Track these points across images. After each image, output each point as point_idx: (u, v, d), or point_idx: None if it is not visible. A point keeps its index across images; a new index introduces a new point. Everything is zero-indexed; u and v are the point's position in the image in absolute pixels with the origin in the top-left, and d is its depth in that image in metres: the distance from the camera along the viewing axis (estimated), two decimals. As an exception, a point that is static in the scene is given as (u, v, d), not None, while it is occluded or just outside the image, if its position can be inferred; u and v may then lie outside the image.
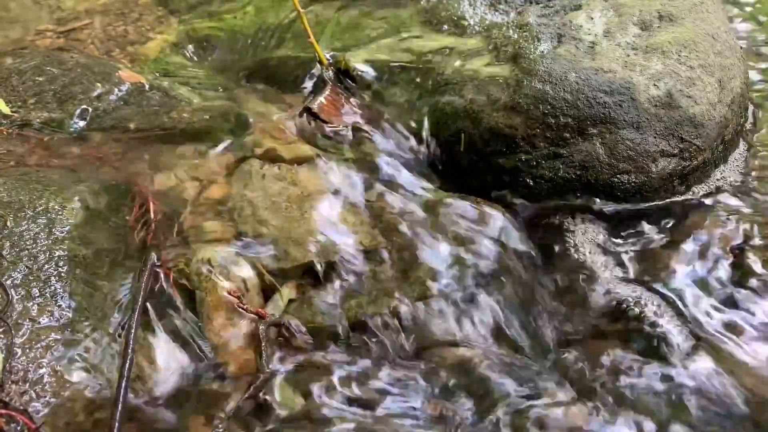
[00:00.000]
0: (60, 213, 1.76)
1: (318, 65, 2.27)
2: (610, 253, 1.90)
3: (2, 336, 1.55)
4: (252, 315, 1.71)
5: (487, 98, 2.03)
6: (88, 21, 2.75)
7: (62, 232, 1.73)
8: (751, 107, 2.24)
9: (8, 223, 1.71)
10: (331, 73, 2.26)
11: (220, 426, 1.55)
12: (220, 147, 2.08)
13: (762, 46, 2.56)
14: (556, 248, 1.92)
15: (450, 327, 1.74)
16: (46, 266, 1.67)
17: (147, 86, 2.26)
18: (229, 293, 1.71)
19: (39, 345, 1.56)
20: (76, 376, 1.55)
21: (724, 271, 1.83)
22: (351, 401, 1.62)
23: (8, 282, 1.63)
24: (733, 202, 2.00)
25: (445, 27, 2.31)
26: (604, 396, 1.63)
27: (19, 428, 1.46)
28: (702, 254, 1.87)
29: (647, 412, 1.59)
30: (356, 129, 2.16)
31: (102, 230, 1.79)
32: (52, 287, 1.65)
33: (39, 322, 1.59)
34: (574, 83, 1.95)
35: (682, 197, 2.01)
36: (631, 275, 1.85)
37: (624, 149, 1.93)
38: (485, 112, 2.02)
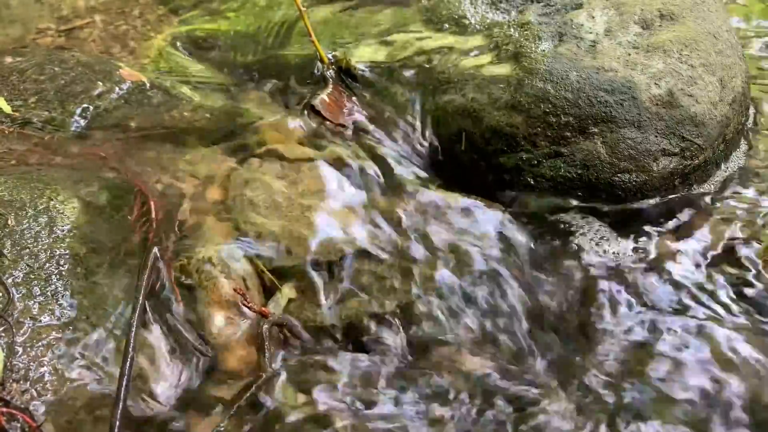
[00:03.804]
0: (61, 211, 1.76)
1: (319, 64, 2.27)
2: (611, 252, 1.89)
3: (3, 334, 1.55)
4: (255, 313, 1.71)
5: (488, 97, 2.03)
6: (89, 19, 2.75)
7: (63, 231, 1.73)
8: (752, 106, 2.23)
9: (9, 222, 1.71)
10: (332, 71, 2.26)
11: (221, 424, 1.55)
12: (221, 145, 2.08)
13: (763, 44, 2.56)
14: (557, 248, 1.92)
15: (450, 326, 1.74)
16: (47, 265, 1.67)
17: (148, 85, 2.26)
18: (235, 290, 1.71)
19: (40, 343, 1.56)
20: (77, 374, 1.56)
21: (725, 270, 1.83)
22: (352, 400, 1.62)
23: (9, 280, 1.63)
24: (735, 201, 1.99)
25: (446, 26, 2.31)
26: (605, 396, 1.63)
27: (20, 427, 1.46)
28: (703, 254, 1.87)
29: (648, 412, 1.59)
30: (358, 127, 2.16)
31: (103, 229, 1.79)
32: (53, 286, 1.65)
33: (40, 321, 1.59)
34: (575, 82, 1.95)
35: (684, 196, 2.01)
36: (633, 275, 1.85)
37: (625, 148, 1.93)
38: (486, 111, 2.02)
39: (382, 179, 2.00)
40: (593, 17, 2.09)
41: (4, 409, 1.46)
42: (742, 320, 1.74)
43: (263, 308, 1.73)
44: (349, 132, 2.14)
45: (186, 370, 1.66)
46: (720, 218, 1.95)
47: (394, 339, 1.72)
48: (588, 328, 1.77)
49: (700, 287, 1.81)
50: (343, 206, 1.91)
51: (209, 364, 1.68)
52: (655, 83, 1.95)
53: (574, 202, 1.99)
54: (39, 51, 2.46)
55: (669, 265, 1.86)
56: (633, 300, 1.80)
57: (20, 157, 1.99)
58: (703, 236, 1.91)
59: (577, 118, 1.94)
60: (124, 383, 1.52)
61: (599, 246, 1.91)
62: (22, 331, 1.57)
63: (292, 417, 1.59)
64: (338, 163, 2.00)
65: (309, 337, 1.74)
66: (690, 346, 1.69)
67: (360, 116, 2.18)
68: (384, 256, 1.83)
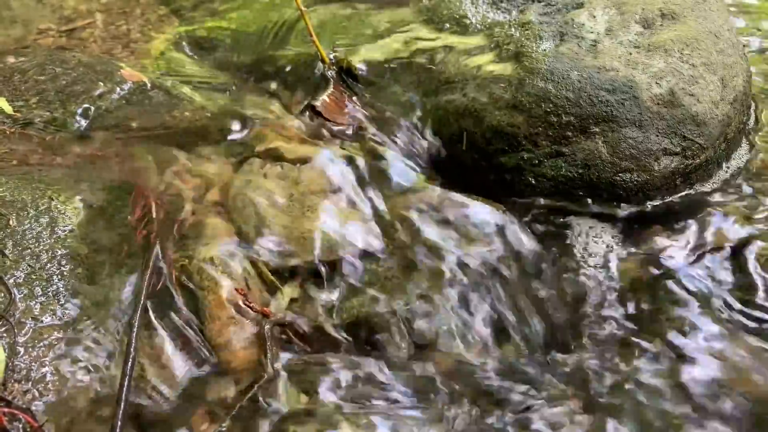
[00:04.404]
0: (62, 212, 1.76)
1: (320, 64, 2.27)
2: (611, 251, 1.89)
3: (5, 335, 1.55)
4: (256, 313, 1.72)
5: (489, 97, 2.03)
6: (90, 20, 2.75)
7: (64, 231, 1.74)
8: (753, 105, 2.23)
9: (11, 222, 1.71)
10: (333, 71, 2.26)
11: (222, 425, 1.55)
12: (222, 146, 2.08)
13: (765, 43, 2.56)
14: (558, 247, 1.92)
15: (452, 325, 1.74)
16: (49, 265, 1.67)
17: (149, 85, 2.26)
18: (236, 291, 1.71)
19: (41, 344, 1.57)
20: (79, 374, 1.56)
21: (725, 270, 1.83)
22: (354, 400, 1.62)
23: (11, 281, 1.63)
24: (736, 200, 1.99)
25: (447, 25, 2.31)
26: (605, 397, 1.63)
27: (21, 427, 1.47)
28: (704, 253, 1.87)
29: (649, 412, 1.59)
30: (359, 127, 2.16)
31: (104, 229, 1.79)
32: (55, 286, 1.65)
33: (41, 321, 1.59)
34: (577, 81, 1.95)
35: (685, 195, 2.01)
36: (633, 274, 1.85)
37: (626, 148, 1.93)
38: (487, 111, 2.02)
39: (382, 179, 2.00)
40: (594, 17, 2.09)
41: (6, 410, 1.46)
42: (743, 319, 1.73)
43: (265, 308, 1.73)
44: (350, 132, 2.15)
45: (187, 370, 1.66)
46: (721, 217, 1.95)
47: (395, 339, 1.72)
48: (590, 328, 1.77)
49: (702, 287, 1.80)
50: (344, 206, 1.91)
51: (211, 364, 1.68)
52: (656, 82, 1.95)
53: (576, 202, 1.99)
54: (40, 51, 2.47)
55: (670, 265, 1.86)
56: (634, 300, 1.80)
57: (22, 157, 1.99)
58: (704, 235, 1.91)
59: (578, 117, 1.94)
60: (126, 383, 1.53)
61: (600, 245, 1.91)
62: (23, 332, 1.57)
63: (294, 417, 1.59)
64: (339, 163, 2.00)
65: (311, 336, 1.74)
66: (691, 347, 1.69)
67: (361, 116, 2.18)
68: (385, 255, 1.83)
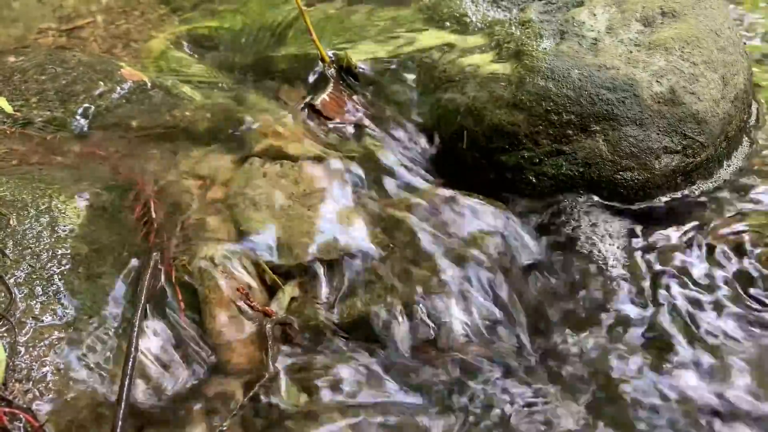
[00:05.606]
0: (62, 211, 1.76)
1: (320, 62, 2.27)
2: (612, 250, 1.89)
3: (6, 334, 1.55)
4: (258, 313, 1.71)
5: (490, 95, 2.03)
6: (90, 19, 2.75)
7: (65, 231, 1.74)
8: (754, 104, 2.23)
9: (11, 222, 1.71)
10: (333, 70, 2.26)
11: (223, 424, 1.55)
12: (222, 145, 2.08)
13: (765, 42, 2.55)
14: (559, 246, 1.92)
15: (452, 324, 1.74)
16: (49, 264, 1.67)
17: (149, 84, 2.26)
18: (238, 290, 1.71)
19: (42, 343, 1.57)
20: (79, 374, 1.56)
21: (726, 268, 1.83)
22: (354, 399, 1.62)
23: (11, 280, 1.63)
24: (737, 199, 1.99)
25: (447, 24, 2.30)
26: (606, 395, 1.63)
27: (22, 426, 1.47)
28: (704, 252, 1.87)
29: (647, 411, 1.59)
30: (358, 126, 2.16)
31: (104, 229, 1.79)
32: (55, 285, 1.65)
33: (42, 321, 1.59)
34: (577, 80, 1.95)
35: (686, 194, 2.01)
36: (634, 273, 1.84)
37: (627, 146, 1.93)
38: (488, 109, 2.02)
39: (383, 178, 1.99)
40: (595, 15, 2.09)
41: (7, 409, 1.46)
42: (743, 318, 1.73)
43: (265, 307, 1.73)
44: (350, 131, 2.14)
45: (188, 369, 1.66)
46: (722, 216, 1.95)
47: (395, 337, 1.72)
48: (590, 327, 1.77)
49: (702, 285, 1.80)
50: (344, 205, 1.91)
51: (212, 363, 1.68)
52: (657, 81, 1.95)
53: (576, 201, 1.99)
54: (40, 51, 2.47)
55: (671, 263, 1.86)
56: (635, 298, 1.80)
57: (22, 157, 1.99)
58: (705, 233, 1.91)
59: (578, 116, 1.94)
60: (126, 383, 1.53)
61: (601, 244, 1.91)
62: (24, 331, 1.57)
63: (295, 416, 1.59)
64: (339, 162, 2.00)
65: (311, 335, 1.74)
66: (692, 344, 1.69)
67: (361, 115, 2.18)
68: (385, 254, 1.83)
